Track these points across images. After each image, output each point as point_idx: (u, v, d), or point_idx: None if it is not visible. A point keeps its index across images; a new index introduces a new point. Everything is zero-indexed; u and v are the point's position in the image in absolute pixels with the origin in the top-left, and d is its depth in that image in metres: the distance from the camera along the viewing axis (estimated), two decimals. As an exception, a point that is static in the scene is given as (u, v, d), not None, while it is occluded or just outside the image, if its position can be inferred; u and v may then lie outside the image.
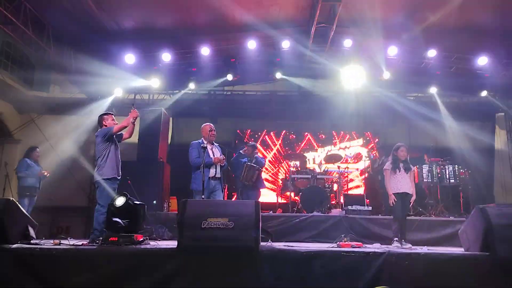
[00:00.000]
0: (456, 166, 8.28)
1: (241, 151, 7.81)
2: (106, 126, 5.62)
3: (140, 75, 9.27)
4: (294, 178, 8.76)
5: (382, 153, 8.77)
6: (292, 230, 7.07)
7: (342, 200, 8.46)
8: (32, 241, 4.32)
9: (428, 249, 4.51)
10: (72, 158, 9.68)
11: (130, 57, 8.79)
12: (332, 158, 9.38)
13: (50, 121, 10.25)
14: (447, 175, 8.18)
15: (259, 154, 8.30)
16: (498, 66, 9.12)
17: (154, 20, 8.18)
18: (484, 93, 10.09)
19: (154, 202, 7.99)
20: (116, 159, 5.56)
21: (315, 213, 7.48)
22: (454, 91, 10.35)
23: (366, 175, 10.05)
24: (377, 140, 11.45)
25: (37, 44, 7.72)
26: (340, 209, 7.99)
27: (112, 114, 5.81)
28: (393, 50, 8.87)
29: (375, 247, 4.52)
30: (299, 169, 9.31)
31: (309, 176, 8.72)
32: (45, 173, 7.76)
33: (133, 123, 5.62)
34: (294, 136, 11.68)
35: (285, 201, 9.62)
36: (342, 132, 11.62)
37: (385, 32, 8.13)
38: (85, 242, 4.58)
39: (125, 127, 5.57)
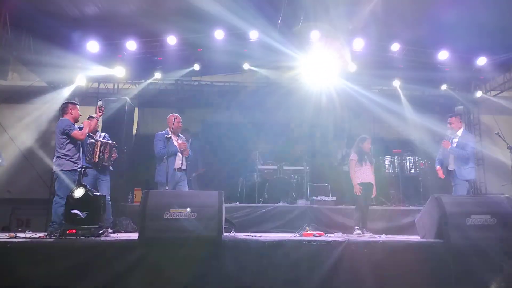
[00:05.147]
0: (416, 157, 8.55)
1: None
2: (71, 114, 5.49)
3: (103, 63, 8.99)
4: (261, 169, 8.81)
5: (342, 144, 8.90)
6: (258, 221, 7.14)
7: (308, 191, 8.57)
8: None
9: (386, 237, 4.66)
10: (32, 149, 9.33)
11: (93, 45, 8.50)
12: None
13: (8, 110, 9.83)
14: (408, 166, 8.45)
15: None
16: (458, 60, 9.42)
17: (118, 6, 7.89)
18: (444, 87, 10.42)
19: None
20: (77, 151, 5.43)
21: (280, 204, 7.55)
22: (416, 84, 10.58)
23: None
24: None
25: (-8, 29, 7.34)
26: (306, 200, 8.10)
27: (78, 105, 5.66)
28: (359, 43, 8.98)
29: (336, 236, 4.64)
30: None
31: (276, 167, 8.79)
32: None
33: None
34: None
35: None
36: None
37: (351, 25, 8.24)
38: (42, 235, 4.44)
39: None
